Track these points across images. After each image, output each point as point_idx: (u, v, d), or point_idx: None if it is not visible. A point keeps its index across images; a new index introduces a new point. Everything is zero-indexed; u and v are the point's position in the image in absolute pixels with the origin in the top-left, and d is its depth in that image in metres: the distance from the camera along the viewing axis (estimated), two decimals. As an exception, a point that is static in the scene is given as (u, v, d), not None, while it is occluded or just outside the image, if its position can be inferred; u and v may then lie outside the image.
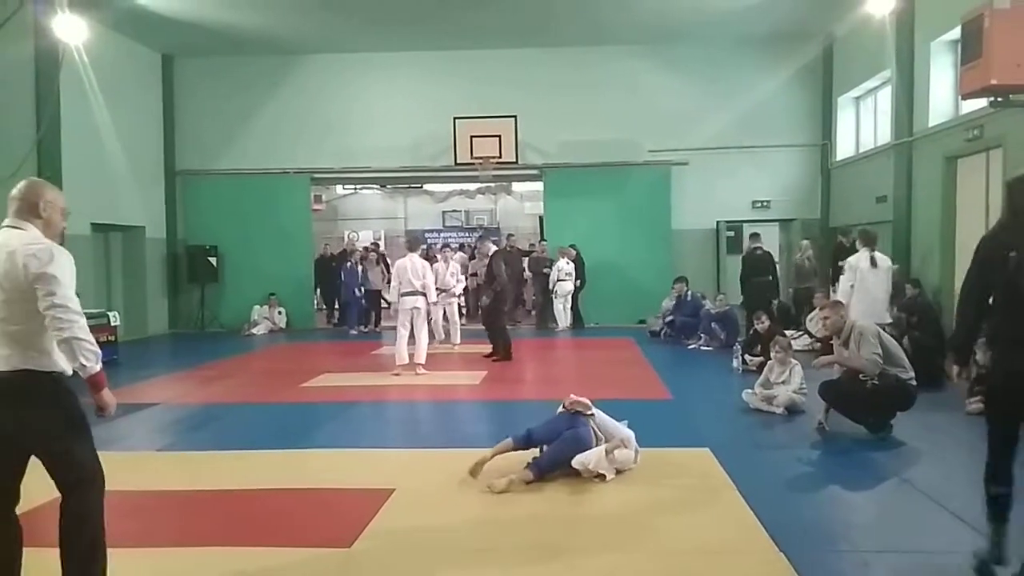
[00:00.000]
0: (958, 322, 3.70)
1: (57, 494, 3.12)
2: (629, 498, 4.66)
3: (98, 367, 3.08)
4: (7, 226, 3.17)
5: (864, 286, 8.01)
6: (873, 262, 8.18)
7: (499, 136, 14.73)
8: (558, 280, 14.48)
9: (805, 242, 13.22)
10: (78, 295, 3.10)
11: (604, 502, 4.62)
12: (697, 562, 3.73)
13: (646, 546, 3.92)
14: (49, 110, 11.87)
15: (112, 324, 11.09)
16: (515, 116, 14.64)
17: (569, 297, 14.65)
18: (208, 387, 9.13)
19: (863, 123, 14.45)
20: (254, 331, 14.93)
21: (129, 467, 5.38)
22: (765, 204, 15.43)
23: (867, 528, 4.26)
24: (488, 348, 10.92)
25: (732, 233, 17.25)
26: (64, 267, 3.06)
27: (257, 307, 15.39)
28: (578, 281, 14.65)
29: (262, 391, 8.87)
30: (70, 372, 3.08)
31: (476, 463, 4.97)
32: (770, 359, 7.41)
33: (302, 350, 12.87)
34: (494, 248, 11.33)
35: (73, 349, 3.00)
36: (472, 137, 14.69)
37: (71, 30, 11.29)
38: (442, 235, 25.71)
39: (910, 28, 11.47)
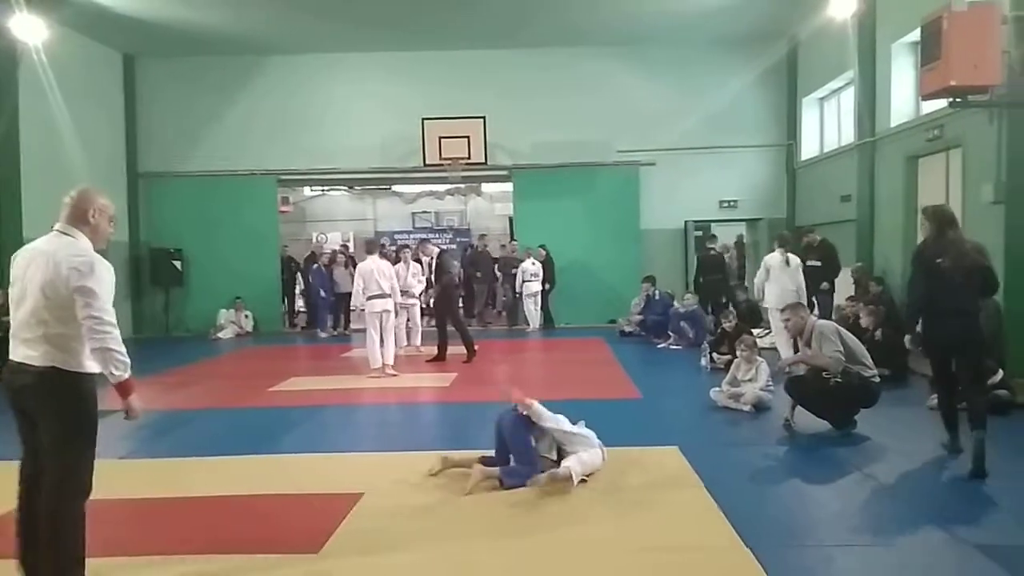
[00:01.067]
0: (910, 310, 5.57)
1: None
2: (596, 497, 4.68)
3: (126, 375, 3.31)
4: (57, 231, 3.36)
5: (778, 280, 9.23)
6: (786, 261, 9.32)
7: (468, 137, 14.70)
8: (524, 281, 14.51)
9: (715, 236, 13.96)
10: None
11: (572, 501, 4.62)
12: (664, 559, 3.75)
13: (614, 544, 3.93)
14: (7, 111, 11.59)
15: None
16: (484, 117, 14.62)
17: (538, 297, 14.67)
18: (173, 393, 8.98)
19: (827, 123, 14.67)
20: (220, 335, 14.74)
21: (102, 474, 5.28)
22: (732, 204, 15.60)
23: (831, 522, 4.32)
24: (434, 351, 10.71)
25: (700, 233, 17.36)
26: (103, 280, 3.27)
27: (224, 310, 15.19)
28: (547, 284, 14.69)
29: (229, 396, 8.75)
30: (95, 371, 3.29)
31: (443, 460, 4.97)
32: (737, 357, 7.48)
33: (270, 354, 12.72)
34: (437, 249, 11.30)
35: (105, 359, 3.24)
36: (441, 138, 14.64)
37: (29, 29, 11.05)
38: (411, 236, 25.56)
39: (872, 30, 11.67)
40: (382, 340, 9.56)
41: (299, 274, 16.37)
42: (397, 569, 3.73)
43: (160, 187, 15.72)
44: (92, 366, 3.30)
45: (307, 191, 23.96)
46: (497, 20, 13.81)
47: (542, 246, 14.80)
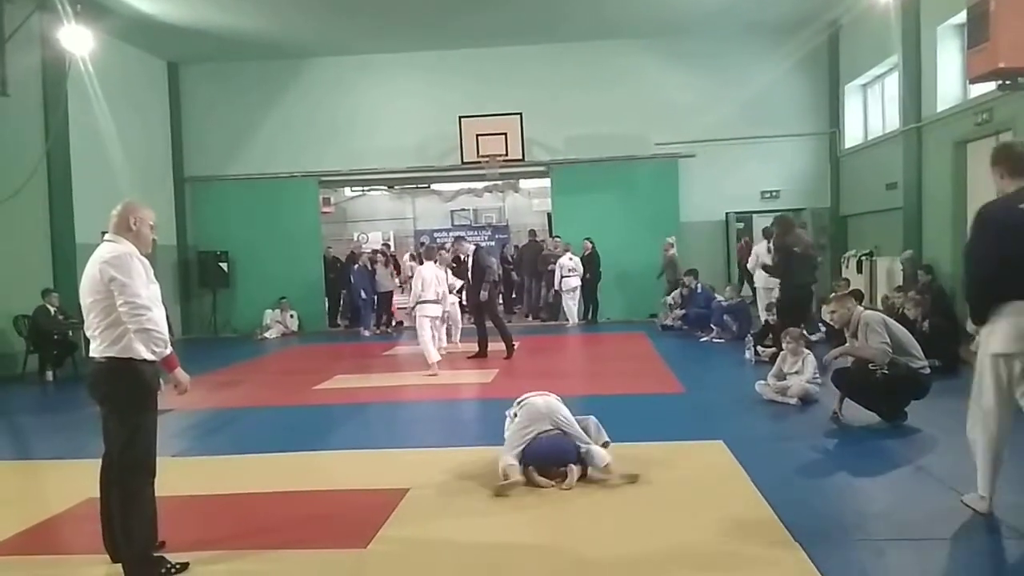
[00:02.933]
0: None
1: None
2: (642, 492, 4.66)
3: (168, 351, 3.69)
4: (105, 239, 3.77)
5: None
6: (769, 249, 10.42)
7: (505, 134, 14.73)
8: (562, 276, 14.49)
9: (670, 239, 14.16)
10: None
11: (616, 497, 4.61)
12: (712, 554, 3.72)
13: (660, 539, 3.91)
14: (57, 119, 11.96)
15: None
16: (520, 113, 14.65)
17: (576, 292, 14.63)
18: (222, 392, 9.18)
19: (871, 110, 14.37)
20: (267, 335, 15.00)
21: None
22: (774, 194, 15.37)
23: (882, 516, 4.23)
24: (474, 348, 10.78)
25: (741, 224, 17.21)
26: (133, 271, 3.61)
27: (269, 311, 15.46)
28: (587, 275, 14.61)
29: (276, 394, 8.92)
30: (148, 357, 3.63)
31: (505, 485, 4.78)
32: (782, 350, 7.37)
33: (314, 353, 12.92)
34: (472, 247, 11.30)
35: (145, 339, 3.59)
36: (478, 136, 14.71)
37: (77, 40, 11.36)
38: (450, 234, 25.71)
39: (916, 13, 11.40)
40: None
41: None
42: (443, 564, 3.76)
43: (206, 191, 16.06)
44: (142, 352, 3.63)
45: (348, 191, 24.28)
46: (531, 16, 13.81)
47: (587, 239, 14.75)
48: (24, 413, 8.57)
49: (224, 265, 15.81)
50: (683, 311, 12.79)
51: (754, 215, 16.37)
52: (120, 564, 3.65)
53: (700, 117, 14.99)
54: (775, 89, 15.04)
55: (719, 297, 12.27)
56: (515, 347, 10.66)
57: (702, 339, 11.70)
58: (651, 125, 15.20)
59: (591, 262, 14.63)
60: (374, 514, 4.38)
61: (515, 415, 5.13)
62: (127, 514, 3.61)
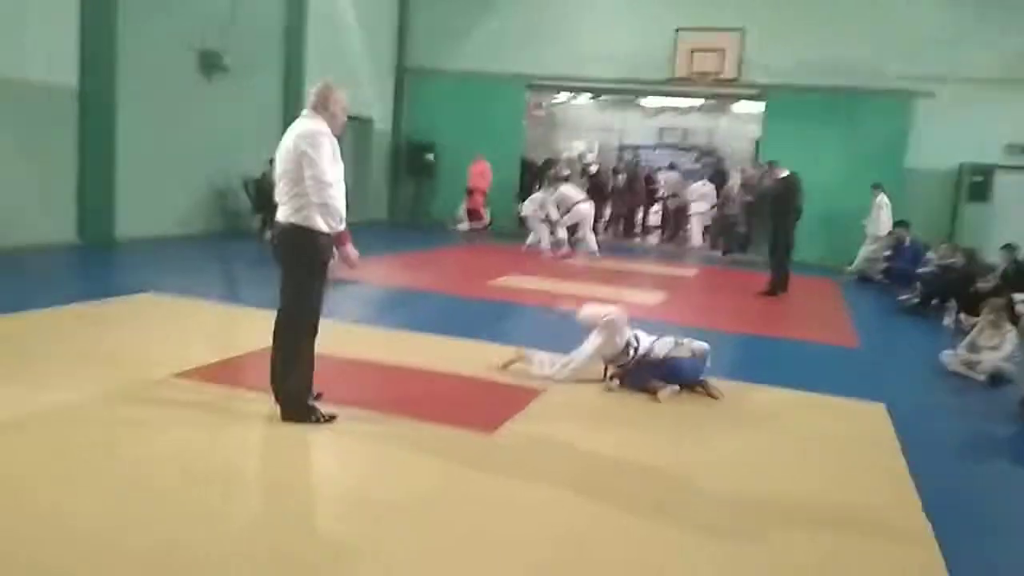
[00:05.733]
0: None
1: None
2: (776, 438, 4.52)
3: (342, 227, 3.99)
4: (303, 116, 4.04)
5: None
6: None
7: (723, 50, 13.95)
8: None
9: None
10: None
11: (747, 435, 4.51)
12: (827, 517, 3.54)
13: (777, 486, 3.80)
14: (296, 5, 12.91)
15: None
16: (742, 29, 13.73)
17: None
18: (407, 273, 9.87)
19: None
20: (459, 227, 15.70)
21: (327, 335, 6.05)
22: (1022, 149, 13.43)
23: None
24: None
25: (981, 178, 15.32)
26: (323, 148, 3.87)
27: (463, 205, 16.11)
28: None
29: (452, 283, 9.45)
30: (325, 229, 3.92)
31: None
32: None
33: (496, 251, 13.39)
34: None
35: (323, 212, 3.89)
36: (693, 51, 14.04)
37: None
38: (656, 151, 25.09)
39: None
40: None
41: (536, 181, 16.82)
42: (553, 463, 3.89)
43: (423, 83, 16.72)
44: (320, 224, 3.92)
45: (561, 96, 24.25)
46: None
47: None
48: (242, 265, 9.72)
49: (431, 156, 16.57)
50: (887, 264, 11.78)
51: (996, 169, 14.51)
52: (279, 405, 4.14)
53: (948, 50, 13.26)
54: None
55: (931, 254, 11.14)
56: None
57: (901, 297, 10.75)
58: (889, 53, 13.65)
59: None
60: (506, 407, 4.61)
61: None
62: (287, 364, 4.06)
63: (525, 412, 4.59)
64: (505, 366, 5.39)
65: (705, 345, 5.27)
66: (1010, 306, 7.50)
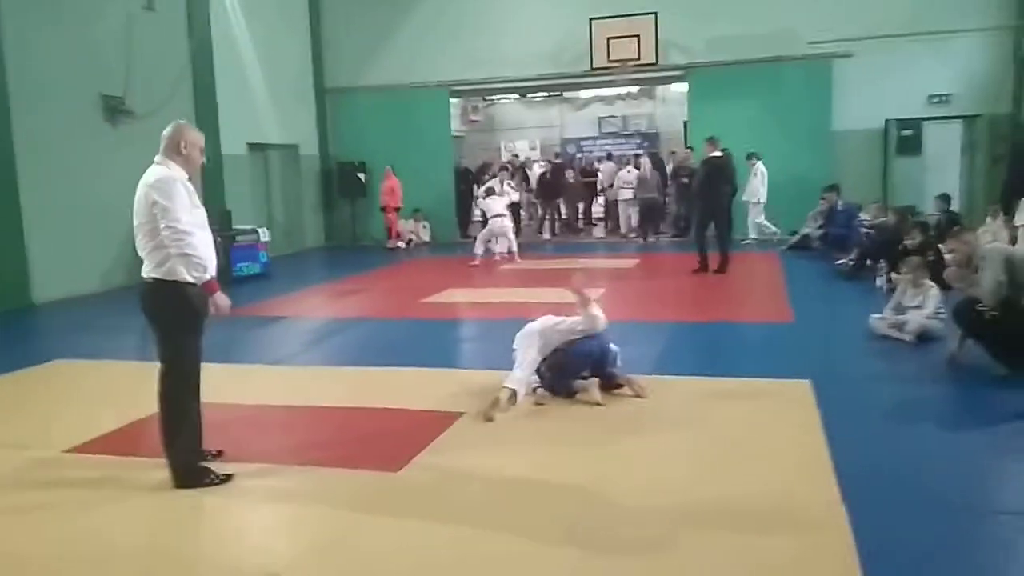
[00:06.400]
0: None
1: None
2: (692, 435, 4.38)
3: (207, 276, 3.77)
4: (155, 162, 3.86)
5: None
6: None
7: (638, 36, 13.90)
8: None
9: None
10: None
11: (664, 438, 4.37)
12: (737, 512, 3.41)
13: (693, 491, 3.65)
14: (201, 34, 12.58)
15: (262, 240, 11.87)
16: (655, 13, 13.72)
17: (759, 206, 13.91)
18: (338, 302, 9.63)
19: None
20: (399, 244, 15.47)
21: (234, 379, 5.82)
22: (944, 99, 13.59)
23: (961, 486, 3.71)
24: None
25: (910, 132, 15.51)
26: (176, 195, 3.70)
27: (402, 221, 15.89)
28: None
29: (384, 306, 9.24)
30: (190, 280, 3.74)
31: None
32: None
33: (437, 264, 13.22)
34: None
35: (184, 264, 3.71)
36: (609, 39, 13.97)
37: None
38: (598, 143, 25.06)
39: None
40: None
41: (474, 185, 16.67)
42: (462, 498, 3.70)
43: (345, 102, 16.43)
44: (186, 275, 3.74)
45: (497, 100, 24.10)
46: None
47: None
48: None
49: (362, 175, 16.31)
50: (821, 230, 11.81)
51: (923, 122, 14.68)
52: None
53: (860, 10, 13.37)
54: (951, -25, 13.11)
55: (863, 215, 11.19)
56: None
57: (838, 262, 10.76)
58: (803, 20, 13.72)
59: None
60: (419, 437, 4.42)
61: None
62: (170, 427, 3.84)
63: (437, 442, 4.39)
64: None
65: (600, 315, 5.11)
66: (939, 258, 7.50)
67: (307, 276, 12.37)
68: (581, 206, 18.18)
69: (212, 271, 3.83)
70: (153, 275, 3.78)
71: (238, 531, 3.56)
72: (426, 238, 16.00)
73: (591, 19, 14.02)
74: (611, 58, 14.04)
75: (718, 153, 10.78)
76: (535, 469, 4.00)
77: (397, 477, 3.94)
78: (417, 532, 3.35)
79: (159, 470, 3.95)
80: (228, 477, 3.92)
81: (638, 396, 4.98)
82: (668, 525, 3.32)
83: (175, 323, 3.83)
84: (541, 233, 16.70)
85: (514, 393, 4.81)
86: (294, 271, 12.79)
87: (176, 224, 3.66)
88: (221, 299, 3.88)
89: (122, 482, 4.00)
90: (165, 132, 3.91)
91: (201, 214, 3.91)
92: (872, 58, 13.50)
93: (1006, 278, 4.89)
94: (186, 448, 3.88)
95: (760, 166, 13.57)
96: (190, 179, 3.94)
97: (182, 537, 3.49)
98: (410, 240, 15.64)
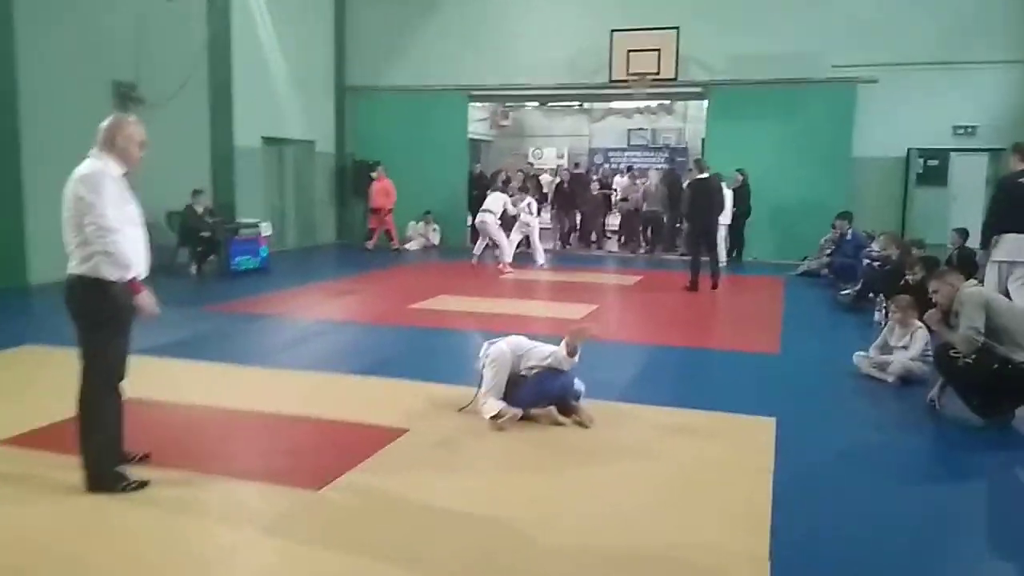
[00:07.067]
0: None
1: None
2: (640, 471, 4.18)
3: (129, 275, 3.64)
4: (89, 155, 3.73)
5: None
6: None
7: (659, 50, 13.67)
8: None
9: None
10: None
11: (610, 473, 4.17)
12: (661, 556, 3.23)
13: (624, 534, 3.45)
14: (220, 26, 12.61)
15: (263, 234, 11.83)
16: (677, 28, 13.48)
17: (724, 229, 13.58)
18: (326, 302, 9.53)
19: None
20: (407, 247, 15.39)
21: (189, 377, 5.76)
22: (969, 130, 13.19)
23: (900, 567, 3.47)
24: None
25: (936, 162, 15.16)
26: (104, 191, 3.57)
27: (412, 223, 15.82)
28: (735, 208, 13.50)
29: (372, 310, 9.13)
30: (116, 279, 3.62)
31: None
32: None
33: (439, 269, 13.09)
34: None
35: (107, 261, 3.58)
36: (629, 51, 13.77)
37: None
38: (626, 155, 24.84)
39: None
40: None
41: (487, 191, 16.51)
42: (381, 524, 3.53)
43: (364, 100, 16.42)
44: (110, 273, 3.61)
45: (523, 106, 23.95)
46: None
47: (739, 170, 13.55)
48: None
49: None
50: (829, 258, 11.49)
51: (951, 153, 14.31)
52: None
53: (887, 37, 13.07)
54: (981, 4, 12.70)
55: (874, 245, 10.84)
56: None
57: (843, 292, 10.44)
58: (829, 44, 13.42)
59: (740, 196, 13.47)
60: (355, 453, 4.28)
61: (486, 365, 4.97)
62: (86, 429, 3.73)
63: (372, 460, 4.24)
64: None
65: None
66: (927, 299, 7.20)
67: (305, 273, 12.30)
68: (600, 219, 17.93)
69: (138, 270, 3.72)
70: (76, 271, 3.66)
71: (129, 542, 3.36)
72: (435, 241, 15.90)
73: (612, 31, 13.82)
74: (630, 71, 13.83)
75: (705, 175, 10.58)
76: (465, 496, 3.82)
77: (315, 496, 3.79)
78: (305, 559, 3.19)
79: (79, 471, 3.86)
80: (143, 484, 3.80)
81: (581, 425, 4.79)
82: (585, 570, 3.15)
83: (96, 322, 3.72)
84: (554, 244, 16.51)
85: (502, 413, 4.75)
86: (294, 268, 12.74)
87: (100, 220, 3.55)
88: (144, 300, 3.75)
89: (35, 481, 3.90)
90: (102, 124, 3.80)
91: (132, 211, 3.80)
92: (897, 85, 13.14)
93: (982, 325, 4.62)
94: (101, 450, 3.77)
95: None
96: (126, 174, 3.85)
97: (67, 543, 3.32)
98: (408, 241, 15.50)
